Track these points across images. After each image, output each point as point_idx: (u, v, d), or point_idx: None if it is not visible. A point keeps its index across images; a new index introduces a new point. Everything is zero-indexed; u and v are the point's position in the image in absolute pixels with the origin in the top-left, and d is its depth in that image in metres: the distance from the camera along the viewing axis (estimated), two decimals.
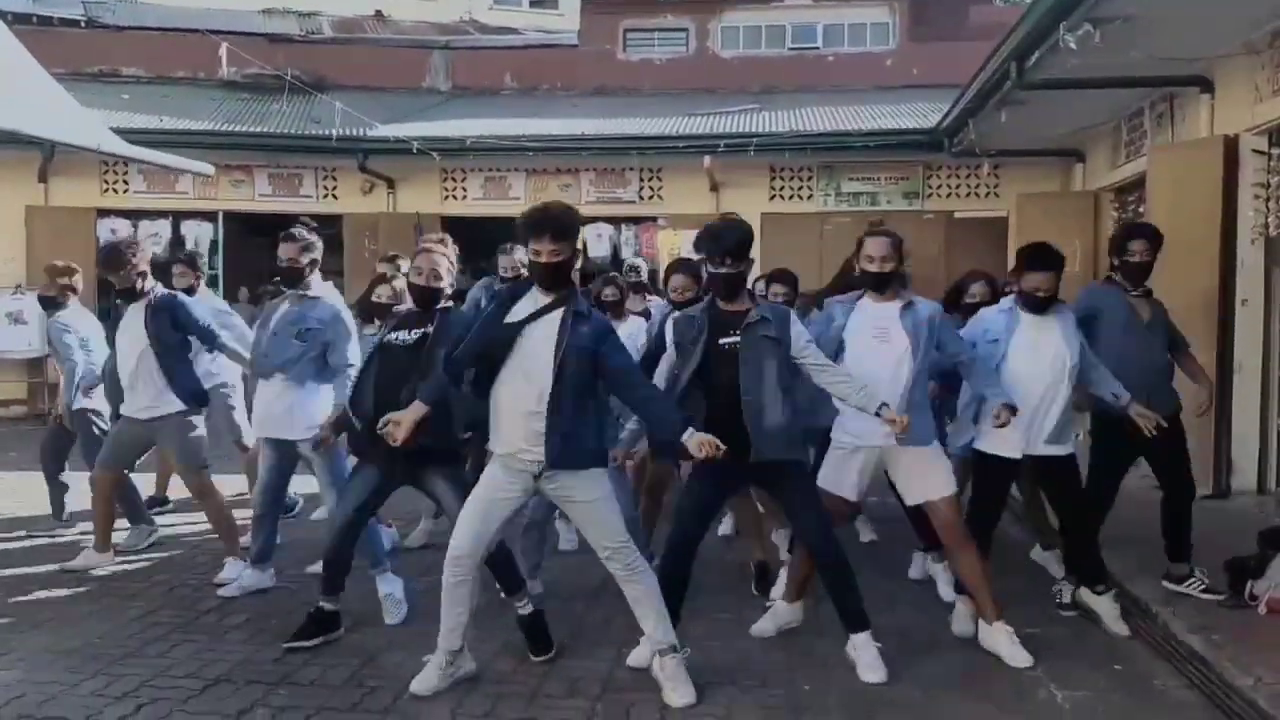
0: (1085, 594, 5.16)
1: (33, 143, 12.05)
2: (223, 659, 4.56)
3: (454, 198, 13.83)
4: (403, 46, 17.01)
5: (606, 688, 4.24)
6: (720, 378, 4.33)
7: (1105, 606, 5.06)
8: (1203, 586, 5.16)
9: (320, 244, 5.75)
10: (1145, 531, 5.48)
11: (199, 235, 13.50)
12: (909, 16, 15.94)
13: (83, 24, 16.36)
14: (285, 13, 18.50)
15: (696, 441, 3.94)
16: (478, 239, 15.33)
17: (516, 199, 13.70)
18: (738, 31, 16.23)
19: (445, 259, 4.84)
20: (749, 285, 5.04)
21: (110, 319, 6.24)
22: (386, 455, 4.48)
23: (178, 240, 13.41)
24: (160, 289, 6.01)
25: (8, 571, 6.02)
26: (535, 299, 4.15)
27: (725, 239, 4.36)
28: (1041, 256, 4.96)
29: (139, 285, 5.91)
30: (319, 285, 5.67)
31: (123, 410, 5.98)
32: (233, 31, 15.47)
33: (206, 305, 7.21)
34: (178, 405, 5.88)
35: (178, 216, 13.50)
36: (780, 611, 4.93)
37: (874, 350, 4.61)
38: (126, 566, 6.16)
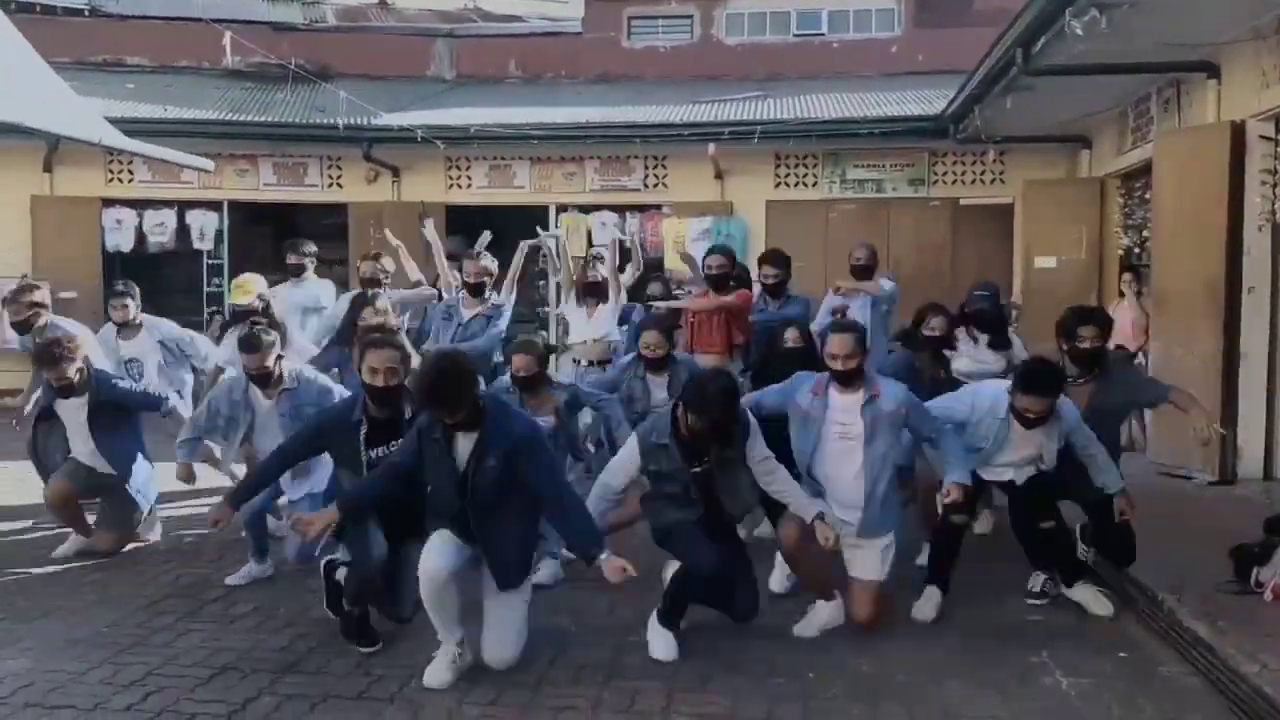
0: (1069, 591, 5.21)
1: (38, 132, 12.10)
2: (230, 647, 4.58)
3: (459, 186, 13.80)
4: (407, 34, 16.96)
5: (611, 675, 4.25)
6: (698, 493, 4.59)
7: (1083, 594, 5.14)
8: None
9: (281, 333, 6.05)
10: (1150, 520, 5.46)
11: (204, 225, 13.47)
12: (914, 3, 15.84)
13: (87, 13, 16.31)
14: (289, 1, 18.45)
15: (611, 567, 4.12)
16: (482, 227, 15.34)
17: (521, 187, 13.69)
18: (742, 18, 16.15)
19: (399, 351, 4.81)
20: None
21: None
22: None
23: (183, 230, 13.40)
24: (94, 378, 6.10)
25: (14, 562, 6.05)
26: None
27: (711, 405, 4.39)
28: (1040, 383, 4.92)
29: (76, 381, 6.02)
30: (290, 372, 5.80)
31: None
32: (236, 20, 15.42)
33: (150, 339, 7.41)
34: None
35: (183, 206, 13.47)
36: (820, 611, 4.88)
37: (840, 448, 4.85)
38: (133, 556, 6.18)
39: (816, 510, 4.54)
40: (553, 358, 6.79)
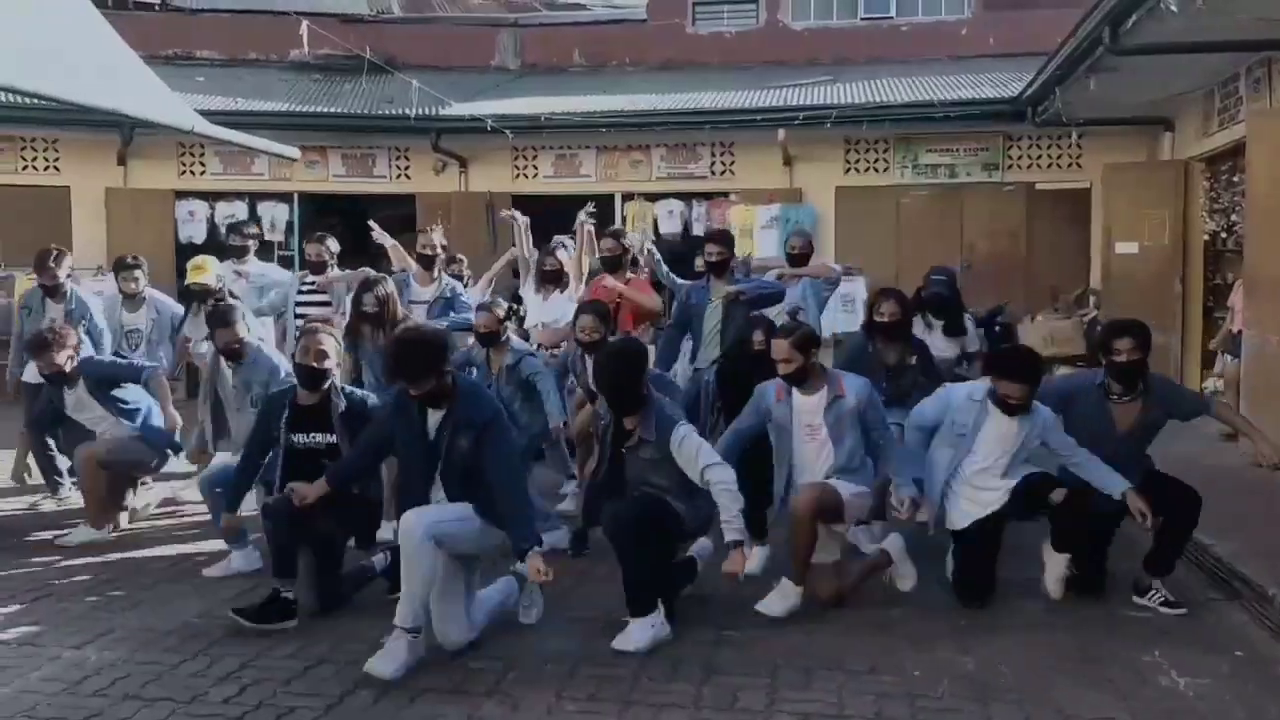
0: (1047, 549, 5.07)
1: (114, 124, 12.25)
2: (321, 640, 4.55)
3: (525, 176, 13.77)
4: (472, 25, 16.96)
5: (710, 671, 4.17)
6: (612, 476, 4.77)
7: (1055, 563, 5.00)
8: (1163, 600, 4.93)
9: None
10: (1250, 512, 5.28)
11: (275, 216, 13.58)
12: None
13: (158, 7, 16.53)
14: None
15: (530, 566, 4.20)
16: (549, 217, 15.33)
17: (587, 176, 13.63)
18: (809, 2, 15.91)
19: (331, 339, 5.14)
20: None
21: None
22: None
23: (254, 220, 13.49)
24: (81, 366, 6.36)
25: (103, 551, 6.09)
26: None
27: (604, 370, 4.67)
28: (1020, 368, 4.87)
29: (68, 370, 6.27)
30: (250, 345, 6.09)
31: None
32: (304, 12, 15.52)
33: (149, 313, 7.72)
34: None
35: (254, 198, 13.60)
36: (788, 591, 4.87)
37: (811, 447, 5.01)
38: (219, 546, 6.17)
39: (734, 539, 4.42)
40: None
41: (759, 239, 12.89)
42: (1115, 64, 8.60)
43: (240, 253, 8.78)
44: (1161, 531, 4.94)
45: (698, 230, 13.30)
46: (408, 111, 13.00)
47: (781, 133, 12.44)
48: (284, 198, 13.70)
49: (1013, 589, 4.99)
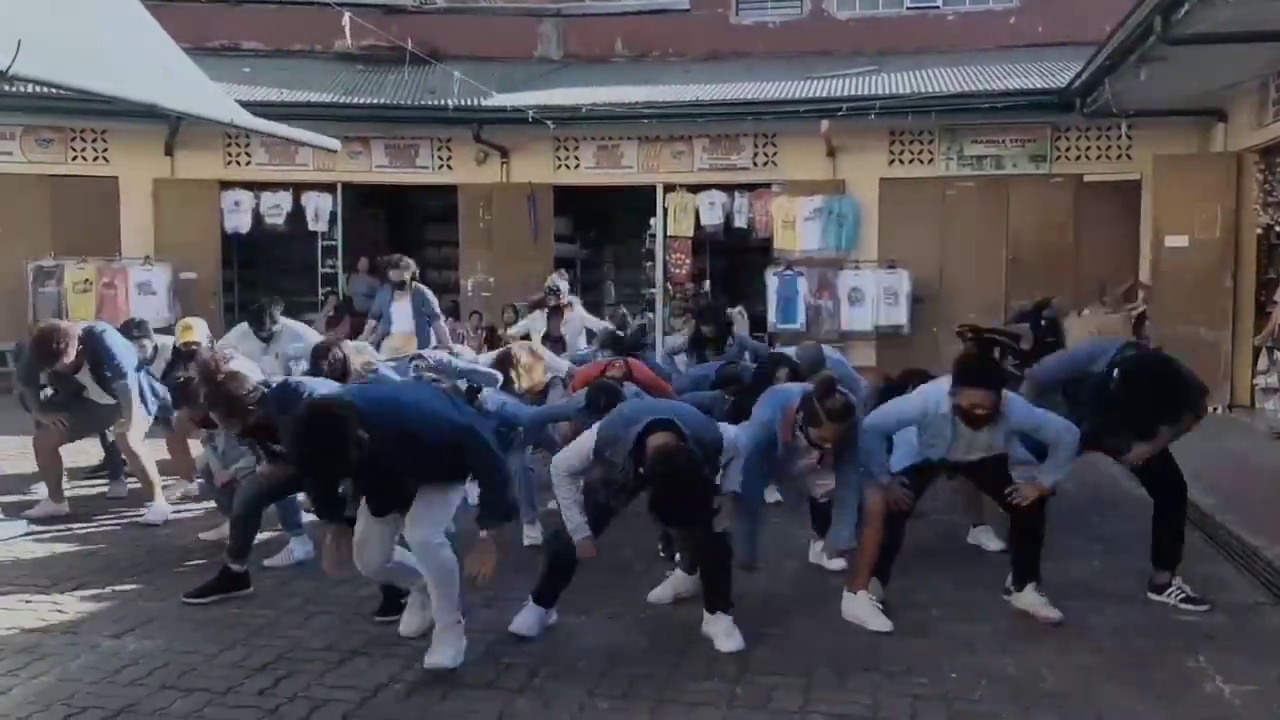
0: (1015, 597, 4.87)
1: (161, 115, 12.35)
2: (358, 631, 4.57)
3: (566, 167, 13.75)
4: (514, 15, 16.92)
5: (745, 669, 4.13)
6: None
7: (1030, 599, 4.78)
8: (1183, 596, 4.84)
9: None
10: None
11: (319, 206, 13.64)
12: None
13: None
14: None
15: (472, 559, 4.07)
16: (590, 208, 15.35)
17: (629, 168, 13.59)
18: None
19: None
20: None
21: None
22: None
23: (298, 211, 13.59)
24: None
25: (142, 539, 6.17)
26: None
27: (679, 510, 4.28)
28: (982, 374, 4.65)
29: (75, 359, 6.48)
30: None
31: None
32: (348, 3, 15.54)
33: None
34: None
35: (298, 188, 13.67)
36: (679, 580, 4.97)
37: (815, 468, 5.10)
38: (271, 535, 6.18)
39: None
40: None
41: (801, 231, 12.82)
42: (1167, 53, 8.42)
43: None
44: (1155, 521, 4.99)
45: (740, 222, 13.25)
46: (450, 102, 13.02)
47: (825, 124, 12.32)
48: (328, 188, 13.77)
49: (1054, 591, 4.88)
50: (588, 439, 4.52)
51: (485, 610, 4.73)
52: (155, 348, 7.58)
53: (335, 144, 9.10)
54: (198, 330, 7.57)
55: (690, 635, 4.47)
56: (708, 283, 14.86)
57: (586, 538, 4.39)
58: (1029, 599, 4.76)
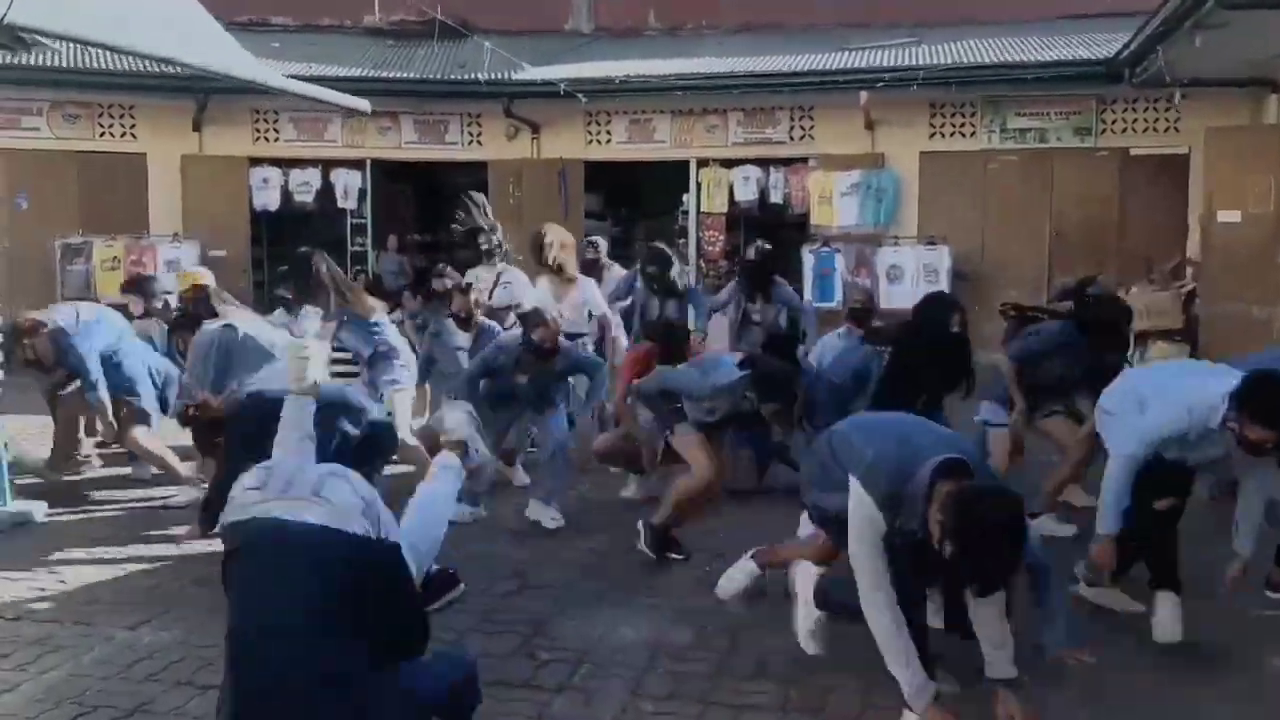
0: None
1: (188, 91, 12.23)
2: None
3: (598, 142, 13.50)
4: None
5: (798, 668, 3.91)
6: None
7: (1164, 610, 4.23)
8: None
9: None
10: None
11: (348, 183, 13.47)
12: None
13: None
14: None
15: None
16: (622, 184, 15.11)
17: (662, 142, 13.34)
18: None
19: None
20: None
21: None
22: None
23: (327, 188, 13.42)
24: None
25: (160, 527, 5.99)
26: None
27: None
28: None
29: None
30: None
31: None
32: None
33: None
34: None
35: (327, 165, 13.50)
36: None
37: None
38: None
39: None
40: None
41: (839, 206, 12.54)
42: (1225, 19, 8.05)
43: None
44: None
45: (775, 198, 12.96)
46: (480, 76, 12.79)
47: (864, 96, 12.01)
48: (356, 165, 13.59)
49: (1133, 587, 4.62)
50: (858, 508, 3.42)
51: (518, 598, 4.55)
52: (166, 302, 7.62)
53: (365, 105, 8.99)
54: (204, 276, 7.37)
55: (736, 629, 4.27)
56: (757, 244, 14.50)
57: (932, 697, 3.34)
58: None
